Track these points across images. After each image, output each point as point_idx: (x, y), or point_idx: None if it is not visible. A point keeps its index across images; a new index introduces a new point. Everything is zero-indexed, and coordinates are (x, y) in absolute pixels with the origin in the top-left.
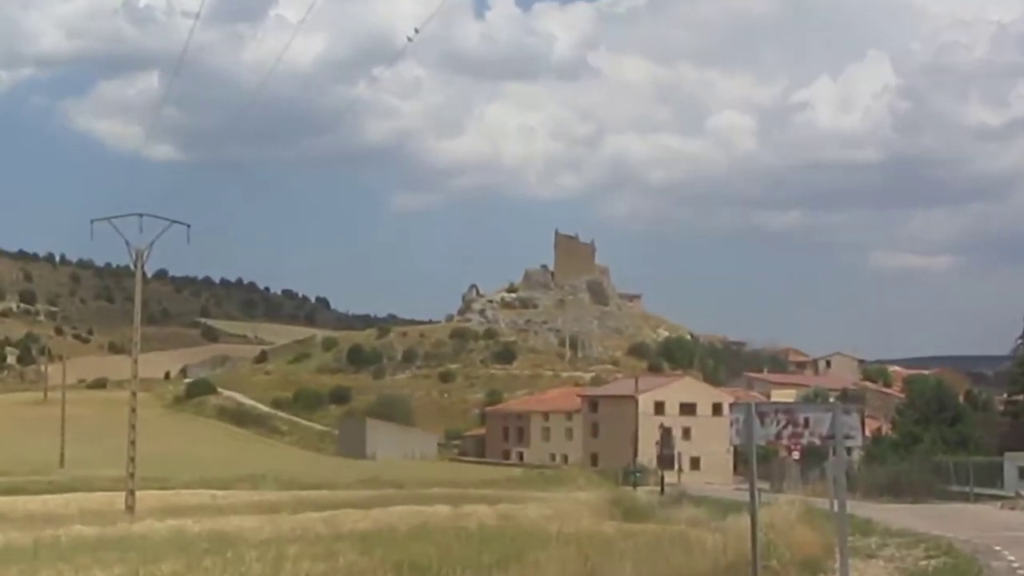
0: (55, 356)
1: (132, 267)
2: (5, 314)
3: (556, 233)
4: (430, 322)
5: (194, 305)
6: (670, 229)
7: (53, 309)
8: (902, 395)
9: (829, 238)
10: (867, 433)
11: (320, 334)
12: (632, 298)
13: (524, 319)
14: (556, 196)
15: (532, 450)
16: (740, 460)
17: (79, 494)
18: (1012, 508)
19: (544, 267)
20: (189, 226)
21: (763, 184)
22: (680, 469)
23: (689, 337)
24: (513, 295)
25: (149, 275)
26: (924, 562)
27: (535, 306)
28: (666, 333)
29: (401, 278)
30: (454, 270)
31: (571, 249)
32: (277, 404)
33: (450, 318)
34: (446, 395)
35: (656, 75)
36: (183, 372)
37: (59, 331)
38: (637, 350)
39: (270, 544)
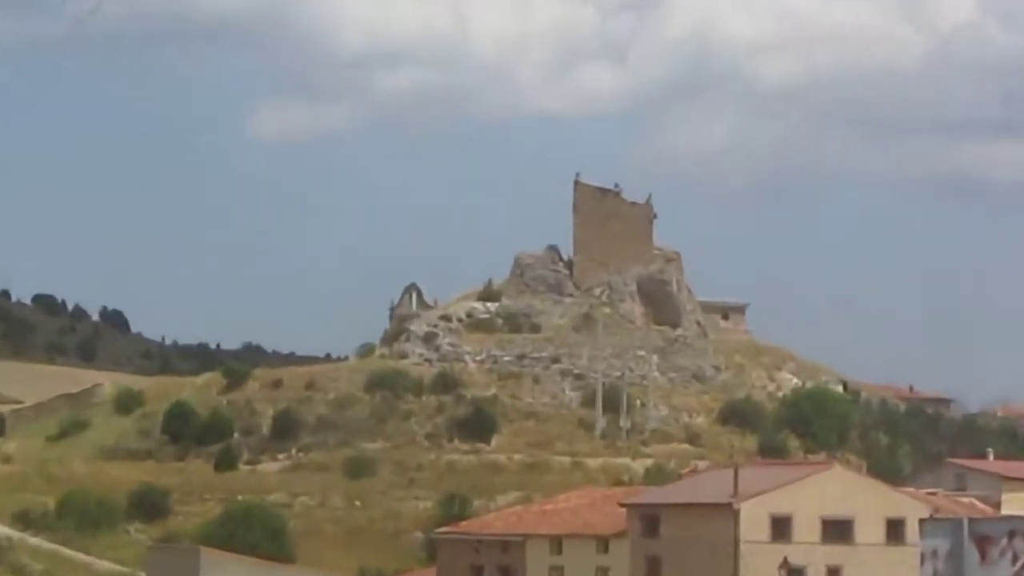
0: None
1: None
2: None
3: (577, 183)
4: (328, 359)
5: None
6: (803, 177)
7: None
8: None
9: None
10: None
11: (109, 382)
12: (728, 312)
13: (514, 352)
14: (577, 111)
15: None
16: None
17: None
18: None
19: (553, 250)
20: None
21: (991, 90)
22: None
23: (841, 389)
24: (491, 306)
25: None
26: None
27: (535, 327)
28: (795, 381)
29: (271, 274)
30: (376, 256)
31: (605, 214)
32: (24, 520)
33: (367, 351)
34: (359, 504)
35: None
36: None
37: None
38: (737, 414)
39: None
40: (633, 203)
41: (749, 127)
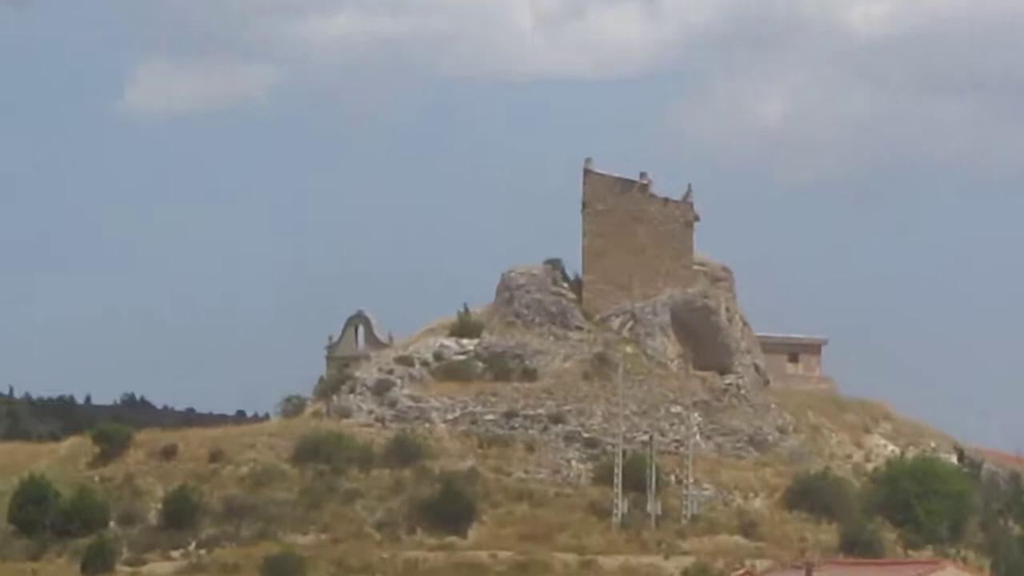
0: None
1: None
2: None
3: (588, 172)
4: (240, 419)
5: None
6: (903, 164)
7: None
8: None
9: None
10: None
11: None
12: (798, 352)
13: (500, 409)
14: (590, 73)
15: None
16: None
17: None
18: None
19: (554, 266)
20: None
21: None
22: None
23: (955, 460)
24: (469, 343)
25: None
26: None
27: (529, 373)
28: (891, 448)
29: (158, 301)
30: (307, 275)
31: (628, 216)
32: None
33: (295, 408)
34: None
35: None
36: None
37: None
38: (811, 494)
39: None
40: (666, 200)
41: (830, 95)
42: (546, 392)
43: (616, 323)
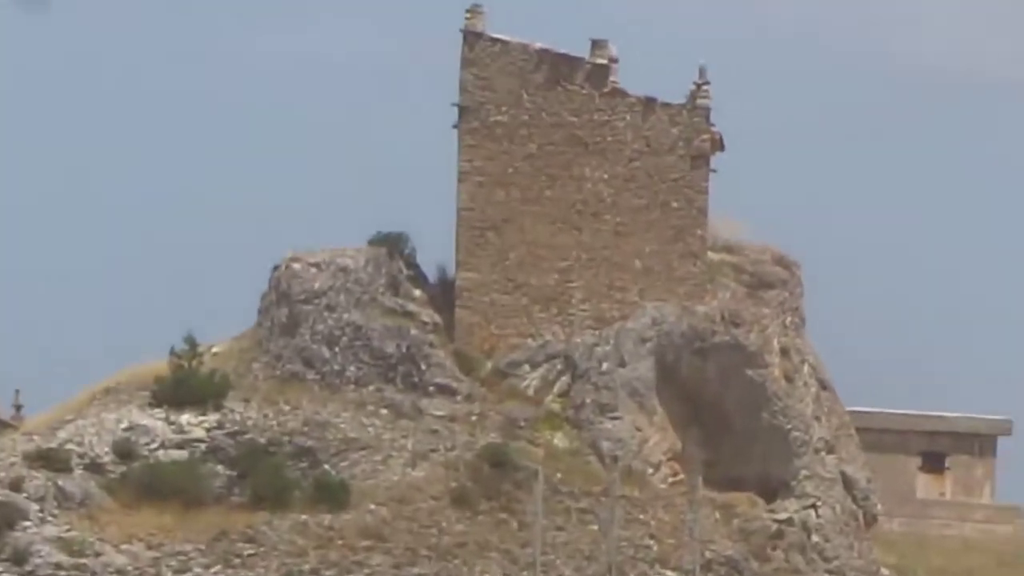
0: None
1: None
2: None
3: (470, 36)
4: None
5: None
6: None
7: None
8: None
9: None
10: None
11: None
12: (945, 452)
13: (262, 574)
14: None
15: None
16: None
17: None
18: None
19: (390, 249)
20: None
21: None
22: None
23: None
24: (193, 423)
25: None
26: None
27: (334, 491)
28: None
29: None
30: None
31: (559, 132)
32: None
33: None
34: None
35: None
36: None
37: None
38: None
39: None
40: (651, 103)
41: None
42: (371, 536)
43: (531, 380)
